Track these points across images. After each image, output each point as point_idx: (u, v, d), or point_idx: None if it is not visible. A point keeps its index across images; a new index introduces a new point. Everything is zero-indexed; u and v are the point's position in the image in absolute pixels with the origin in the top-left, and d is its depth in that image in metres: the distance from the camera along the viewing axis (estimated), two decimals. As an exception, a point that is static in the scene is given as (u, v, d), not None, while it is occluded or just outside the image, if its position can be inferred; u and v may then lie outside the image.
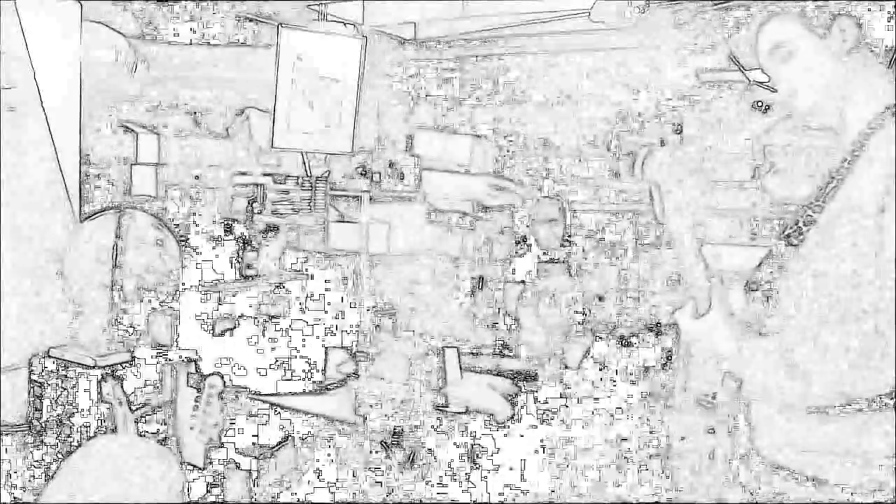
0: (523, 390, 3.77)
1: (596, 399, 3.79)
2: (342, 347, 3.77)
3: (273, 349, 3.77)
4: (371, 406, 3.78)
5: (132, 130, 3.71)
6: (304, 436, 3.78)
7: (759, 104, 3.60)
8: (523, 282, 3.76)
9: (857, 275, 3.36)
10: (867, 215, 3.36)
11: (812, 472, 3.50)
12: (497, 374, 3.78)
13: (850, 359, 3.35)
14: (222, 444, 3.76)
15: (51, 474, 3.70)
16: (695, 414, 3.78)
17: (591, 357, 3.75)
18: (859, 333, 3.34)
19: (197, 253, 3.75)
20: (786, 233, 3.53)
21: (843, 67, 3.46)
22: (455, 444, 3.79)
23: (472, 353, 3.78)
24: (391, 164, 3.76)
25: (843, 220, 3.40)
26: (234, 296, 3.75)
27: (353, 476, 3.79)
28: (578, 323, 3.74)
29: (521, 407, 3.79)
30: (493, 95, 3.75)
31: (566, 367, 3.76)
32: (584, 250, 3.75)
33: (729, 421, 3.74)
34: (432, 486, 3.80)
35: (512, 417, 3.78)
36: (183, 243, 3.73)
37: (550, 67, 3.73)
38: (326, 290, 3.77)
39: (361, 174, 3.75)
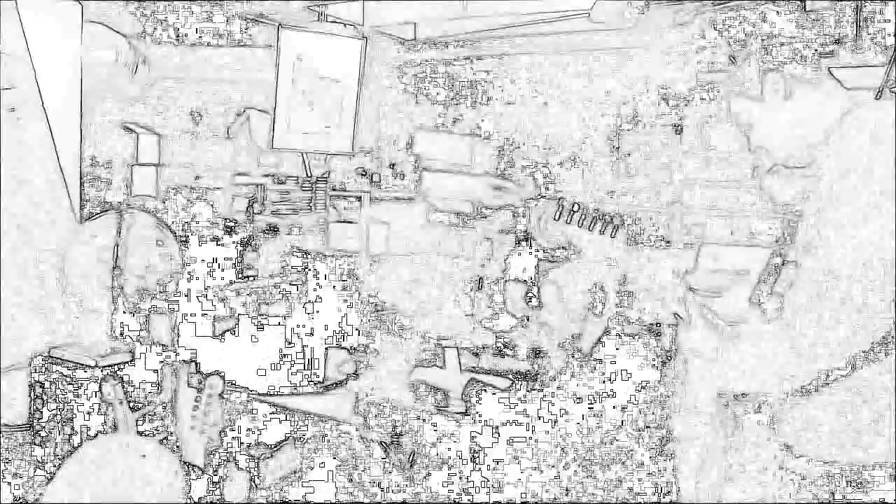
0: (525, 387, 3.78)
1: (598, 397, 3.79)
2: (342, 347, 3.78)
3: (273, 349, 3.77)
4: (372, 406, 3.79)
5: (132, 131, 3.71)
6: (303, 436, 3.78)
7: (733, 59, 3.62)
8: (532, 277, 3.76)
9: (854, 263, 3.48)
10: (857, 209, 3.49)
11: (829, 456, 3.62)
12: (497, 374, 3.78)
13: (849, 323, 3.50)
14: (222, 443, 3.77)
15: (51, 474, 3.71)
16: (695, 414, 3.78)
17: (603, 345, 3.76)
18: (856, 309, 3.46)
19: (195, 256, 3.75)
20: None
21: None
22: (454, 445, 3.80)
23: (473, 353, 3.78)
24: (392, 165, 3.76)
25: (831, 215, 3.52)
26: (234, 296, 3.75)
27: (353, 476, 3.79)
28: (598, 305, 3.74)
29: (523, 397, 3.80)
30: (493, 95, 3.75)
31: (579, 352, 3.76)
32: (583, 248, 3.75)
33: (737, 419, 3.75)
34: (432, 485, 3.81)
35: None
36: (183, 244, 3.74)
37: (550, 67, 3.74)
38: (326, 290, 3.78)
39: (361, 174, 3.76)
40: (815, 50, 3.68)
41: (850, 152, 3.66)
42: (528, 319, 3.77)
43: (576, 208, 3.66)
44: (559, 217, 3.66)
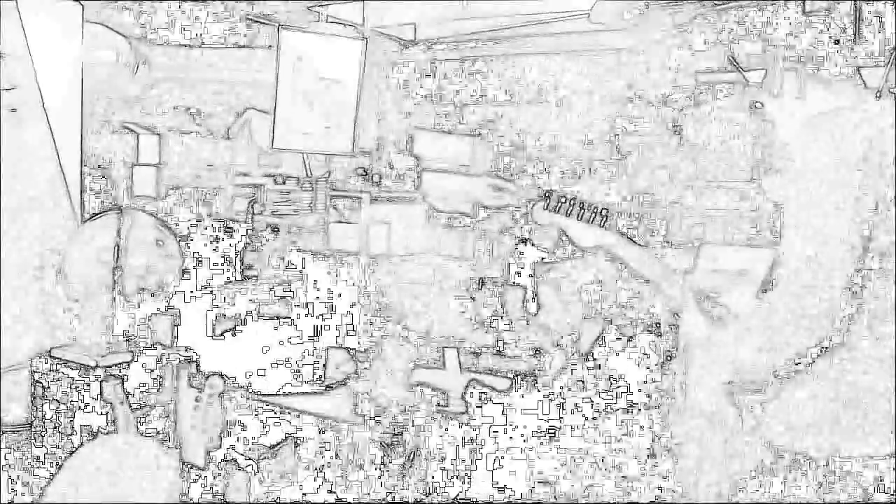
0: (526, 387, 3.78)
1: (597, 396, 3.79)
2: (342, 347, 3.78)
3: (273, 349, 3.77)
4: (371, 405, 3.79)
5: (133, 131, 3.72)
6: (303, 436, 3.78)
7: (758, 104, 3.64)
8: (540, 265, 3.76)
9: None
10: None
11: (817, 451, 3.69)
12: (497, 374, 3.78)
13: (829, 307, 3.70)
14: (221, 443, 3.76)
15: (51, 474, 3.70)
16: (696, 413, 3.78)
17: (602, 345, 3.76)
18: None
19: (197, 254, 3.76)
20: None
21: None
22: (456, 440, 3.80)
23: (473, 353, 3.78)
24: (391, 166, 3.76)
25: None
26: (234, 296, 3.75)
27: (353, 475, 3.79)
28: (595, 302, 3.75)
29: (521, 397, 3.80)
30: (493, 96, 3.75)
31: (577, 353, 3.76)
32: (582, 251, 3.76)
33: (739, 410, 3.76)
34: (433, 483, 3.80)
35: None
36: (183, 244, 3.74)
37: (550, 68, 3.74)
38: (327, 290, 3.78)
39: (362, 175, 3.76)
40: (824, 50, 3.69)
41: (829, 149, 3.70)
42: (528, 322, 3.77)
43: (563, 199, 3.67)
44: (547, 206, 3.67)
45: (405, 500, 3.80)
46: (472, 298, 3.77)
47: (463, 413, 3.78)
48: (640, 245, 3.75)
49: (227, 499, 3.77)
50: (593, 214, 3.65)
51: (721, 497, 3.77)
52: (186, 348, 3.75)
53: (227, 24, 3.72)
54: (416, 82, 3.75)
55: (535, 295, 3.76)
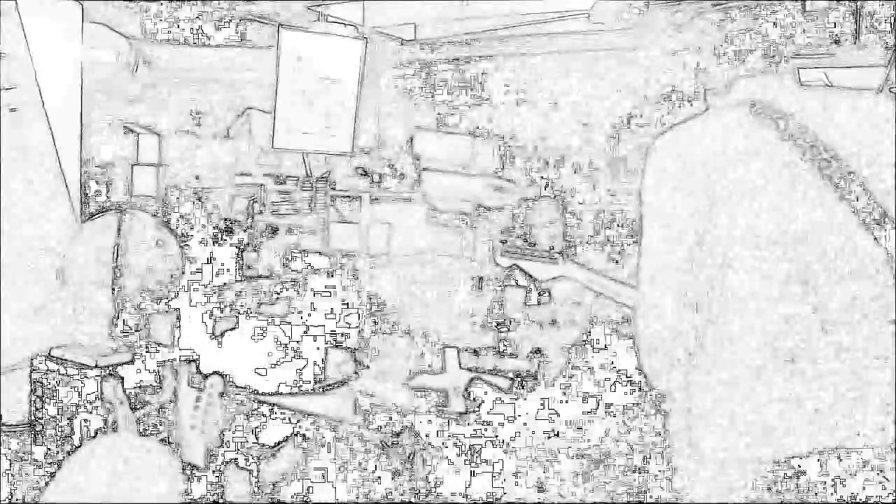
0: (524, 388, 3.78)
1: (592, 399, 3.80)
2: (342, 347, 3.78)
3: (273, 349, 3.77)
4: (371, 406, 3.79)
5: (133, 131, 3.72)
6: (304, 436, 3.78)
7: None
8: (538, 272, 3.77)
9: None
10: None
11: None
12: (496, 374, 3.78)
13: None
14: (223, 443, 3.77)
15: (51, 474, 3.71)
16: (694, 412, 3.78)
17: (600, 342, 3.76)
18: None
19: (195, 256, 3.76)
20: None
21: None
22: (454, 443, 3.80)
23: (473, 352, 3.78)
24: (391, 165, 3.77)
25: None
26: (234, 295, 3.76)
27: (353, 476, 3.79)
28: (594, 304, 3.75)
29: (524, 398, 3.80)
30: (493, 96, 3.76)
31: (577, 350, 3.76)
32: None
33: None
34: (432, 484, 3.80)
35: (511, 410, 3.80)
36: (183, 244, 3.74)
37: (550, 68, 3.74)
38: (326, 289, 3.78)
39: (362, 174, 3.76)
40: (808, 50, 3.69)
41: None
42: (528, 319, 3.77)
43: (518, 247, 3.69)
44: (504, 253, 3.70)
45: (405, 500, 3.80)
46: (472, 299, 3.77)
47: (463, 413, 3.78)
48: (588, 269, 3.74)
49: (227, 499, 3.77)
50: (546, 256, 3.66)
51: (719, 497, 3.77)
52: (187, 349, 3.75)
53: (227, 23, 3.72)
54: (415, 82, 3.76)
55: (538, 296, 3.76)
